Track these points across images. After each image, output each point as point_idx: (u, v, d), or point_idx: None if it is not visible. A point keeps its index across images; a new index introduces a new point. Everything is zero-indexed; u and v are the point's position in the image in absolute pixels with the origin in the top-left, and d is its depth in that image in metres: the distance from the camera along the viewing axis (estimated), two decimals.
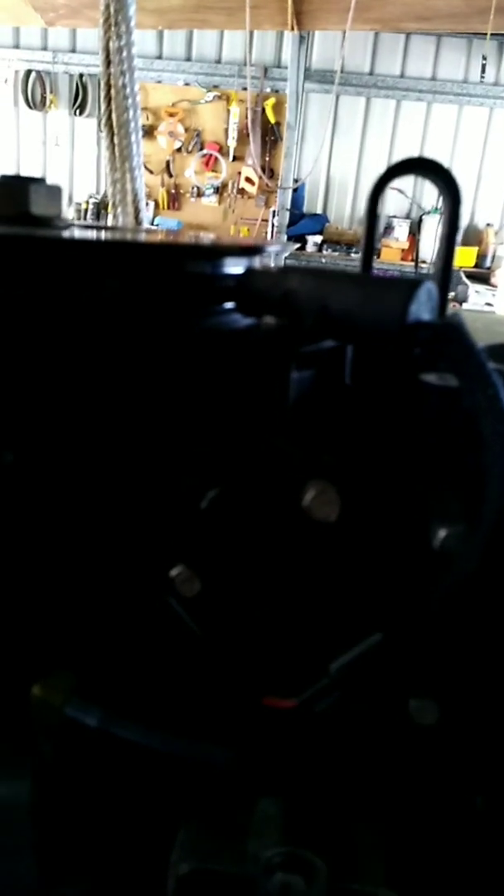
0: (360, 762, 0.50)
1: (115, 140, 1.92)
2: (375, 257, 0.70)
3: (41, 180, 0.68)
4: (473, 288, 6.97)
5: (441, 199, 0.62)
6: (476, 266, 7.30)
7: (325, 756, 0.49)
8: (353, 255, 7.16)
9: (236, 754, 0.46)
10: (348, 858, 0.49)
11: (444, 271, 0.62)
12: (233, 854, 0.48)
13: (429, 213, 7.24)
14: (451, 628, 0.46)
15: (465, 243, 7.38)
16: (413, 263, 7.31)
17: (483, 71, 5.60)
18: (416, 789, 0.50)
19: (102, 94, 1.90)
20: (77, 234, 0.66)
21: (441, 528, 0.47)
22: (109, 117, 1.92)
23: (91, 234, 0.76)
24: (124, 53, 1.85)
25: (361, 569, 0.48)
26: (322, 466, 0.49)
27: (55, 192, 0.69)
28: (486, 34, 5.27)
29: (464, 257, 7.20)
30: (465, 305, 7.07)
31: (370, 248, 0.64)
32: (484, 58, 5.36)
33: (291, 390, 0.52)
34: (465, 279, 7.14)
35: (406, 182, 7.52)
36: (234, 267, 0.57)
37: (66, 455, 0.52)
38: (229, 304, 0.58)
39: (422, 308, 0.47)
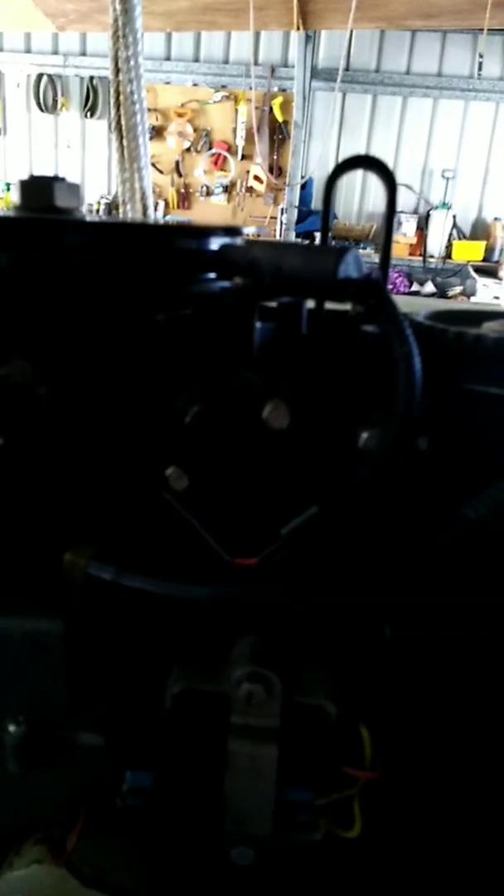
0: (308, 611, 0.66)
1: (125, 142, 2.09)
2: None
3: (63, 179, 0.84)
4: (481, 282, 7.04)
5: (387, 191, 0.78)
6: (484, 260, 7.35)
7: (283, 605, 0.66)
8: (361, 250, 7.26)
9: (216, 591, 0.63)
10: (299, 679, 0.65)
11: (385, 245, 0.78)
12: (213, 678, 0.65)
13: (436, 208, 7.33)
14: (371, 504, 0.63)
15: (473, 237, 7.45)
16: (421, 258, 7.43)
17: (480, 68, 5.71)
18: (349, 631, 0.66)
19: (112, 100, 2.06)
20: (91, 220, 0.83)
21: (363, 431, 0.63)
22: (119, 121, 2.09)
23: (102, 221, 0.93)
24: (132, 62, 2.01)
25: (305, 462, 0.65)
26: (278, 390, 0.65)
27: (75, 188, 0.85)
28: (491, 30, 5.38)
29: (472, 251, 7.27)
30: (473, 299, 7.16)
31: (326, 229, 0.80)
32: (480, 55, 5.47)
33: (256, 336, 0.68)
34: (473, 273, 7.21)
35: (414, 178, 7.65)
36: (214, 243, 0.73)
37: (88, 385, 0.68)
38: (211, 273, 0.74)
39: (350, 268, 0.63)
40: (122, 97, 1.97)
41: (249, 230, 0.83)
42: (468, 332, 0.70)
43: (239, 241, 0.77)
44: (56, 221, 0.70)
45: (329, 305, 0.75)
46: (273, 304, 0.72)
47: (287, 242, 0.69)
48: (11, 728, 0.67)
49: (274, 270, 0.65)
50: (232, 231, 0.77)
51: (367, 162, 0.76)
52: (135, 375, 0.69)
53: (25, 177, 0.82)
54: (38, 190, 0.80)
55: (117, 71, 1.99)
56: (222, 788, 0.65)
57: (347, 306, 0.75)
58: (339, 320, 0.74)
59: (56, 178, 0.82)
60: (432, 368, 0.61)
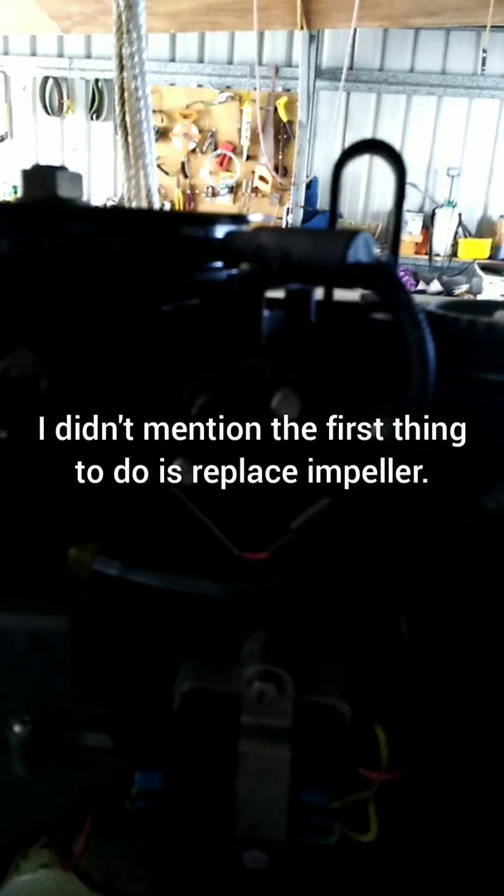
0: (322, 608, 0.64)
1: (129, 140, 2.08)
2: None
3: (65, 168, 0.83)
4: (488, 280, 7.00)
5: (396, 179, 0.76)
6: (490, 258, 7.32)
7: (294, 601, 0.64)
8: None
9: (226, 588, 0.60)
10: (312, 678, 0.63)
11: (395, 232, 0.77)
12: (223, 677, 0.63)
13: (441, 206, 7.30)
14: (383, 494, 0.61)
15: (479, 235, 7.42)
16: (427, 256, 7.40)
17: (484, 64, 5.69)
18: (363, 626, 0.64)
19: (116, 97, 2.05)
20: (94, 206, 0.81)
21: (378, 420, 0.61)
22: (124, 119, 2.08)
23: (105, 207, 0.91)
24: (136, 59, 2.00)
25: (315, 453, 0.63)
26: (287, 380, 0.63)
27: (77, 178, 0.84)
28: (495, 26, 5.36)
29: (478, 249, 7.24)
30: (479, 297, 7.12)
31: (334, 216, 0.78)
32: (484, 51, 5.45)
33: (264, 325, 0.66)
34: (479, 271, 7.18)
35: (419, 177, 7.61)
36: (219, 231, 0.71)
37: (91, 376, 0.66)
38: (217, 262, 0.72)
39: (360, 252, 0.61)
40: (126, 94, 1.96)
41: (256, 217, 0.81)
42: (481, 320, 0.68)
43: (245, 228, 0.76)
44: (58, 207, 0.69)
45: (339, 296, 0.73)
46: (281, 292, 0.70)
47: (295, 228, 0.67)
48: (17, 728, 0.65)
49: (282, 256, 0.63)
50: (238, 219, 0.76)
51: (375, 146, 0.75)
52: (140, 366, 0.68)
53: (28, 167, 0.80)
54: (41, 179, 0.79)
55: (121, 68, 1.97)
56: (234, 790, 0.63)
57: (357, 296, 0.74)
58: (348, 309, 0.72)
59: (59, 168, 0.81)
60: (444, 357, 0.60)
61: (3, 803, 0.73)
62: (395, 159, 0.73)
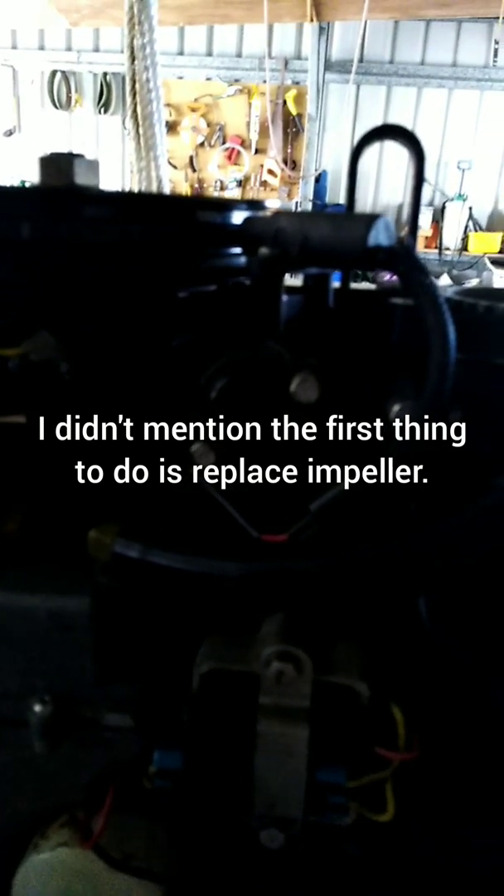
0: (338, 590, 0.64)
1: (140, 131, 2.08)
2: None
3: (81, 155, 0.83)
4: (498, 274, 6.96)
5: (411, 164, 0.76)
6: (501, 252, 7.28)
7: (312, 584, 0.64)
8: None
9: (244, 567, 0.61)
10: (330, 658, 0.63)
11: (413, 216, 0.77)
12: (242, 657, 0.64)
13: (452, 199, 7.26)
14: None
15: (490, 229, 7.38)
16: (437, 250, 7.37)
17: (496, 55, 5.65)
18: (381, 607, 0.64)
19: (128, 88, 2.05)
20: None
21: (395, 404, 0.61)
22: (135, 110, 2.08)
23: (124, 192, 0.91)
24: (147, 50, 2.00)
25: (335, 436, 0.63)
26: (306, 363, 0.64)
27: (94, 165, 0.84)
28: None
29: (488, 243, 7.19)
30: None
31: (352, 199, 0.78)
32: (496, 42, 5.41)
33: (282, 310, 0.67)
34: (489, 265, 7.15)
35: (429, 170, 7.54)
36: (238, 217, 0.71)
37: (110, 360, 0.67)
38: (235, 248, 0.72)
39: (380, 235, 0.61)
40: (137, 85, 1.96)
41: (274, 203, 0.81)
42: (499, 306, 0.68)
43: (262, 214, 0.76)
44: (77, 192, 0.69)
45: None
46: (298, 280, 0.71)
47: (314, 212, 0.67)
48: (37, 707, 0.66)
49: (301, 240, 0.63)
50: (255, 204, 0.76)
51: (393, 131, 0.75)
52: (159, 350, 0.68)
53: (45, 153, 0.81)
54: (58, 166, 0.79)
55: (133, 59, 1.97)
56: (252, 770, 0.64)
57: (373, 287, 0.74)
58: (366, 293, 0.72)
59: (76, 155, 0.81)
60: (461, 343, 0.60)
61: (23, 782, 0.74)
62: (413, 144, 0.73)
